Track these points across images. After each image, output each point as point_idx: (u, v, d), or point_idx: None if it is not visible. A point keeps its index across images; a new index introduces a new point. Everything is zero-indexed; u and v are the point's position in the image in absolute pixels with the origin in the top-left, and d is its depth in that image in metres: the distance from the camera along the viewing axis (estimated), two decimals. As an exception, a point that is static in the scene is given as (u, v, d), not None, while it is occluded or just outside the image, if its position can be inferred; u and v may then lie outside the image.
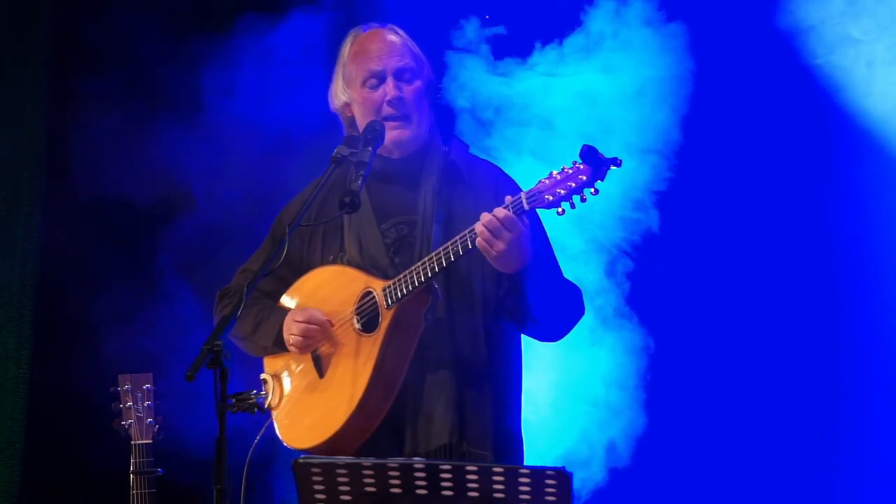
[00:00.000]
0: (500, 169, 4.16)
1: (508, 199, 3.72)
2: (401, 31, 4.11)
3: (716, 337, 5.40)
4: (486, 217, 3.72)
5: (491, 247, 3.72)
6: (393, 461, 3.26)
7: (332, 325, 3.99)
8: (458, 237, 3.77)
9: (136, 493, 4.33)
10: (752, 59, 5.38)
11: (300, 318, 3.99)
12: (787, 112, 5.38)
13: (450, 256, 3.77)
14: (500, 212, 3.71)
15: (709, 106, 5.40)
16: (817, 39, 5.30)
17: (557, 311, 3.96)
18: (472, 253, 3.77)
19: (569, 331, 4.07)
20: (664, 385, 5.42)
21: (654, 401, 5.43)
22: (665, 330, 5.45)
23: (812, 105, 5.36)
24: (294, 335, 3.99)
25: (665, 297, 5.45)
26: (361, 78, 4.05)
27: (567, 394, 5.40)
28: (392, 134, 4.02)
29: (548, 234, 4.08)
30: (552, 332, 4.05)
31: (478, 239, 3.73)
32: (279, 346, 4.08)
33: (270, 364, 4.16)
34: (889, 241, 5.27)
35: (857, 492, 5.29)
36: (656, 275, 5.45)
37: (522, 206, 3.68)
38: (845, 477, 5.29)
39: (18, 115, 5.76)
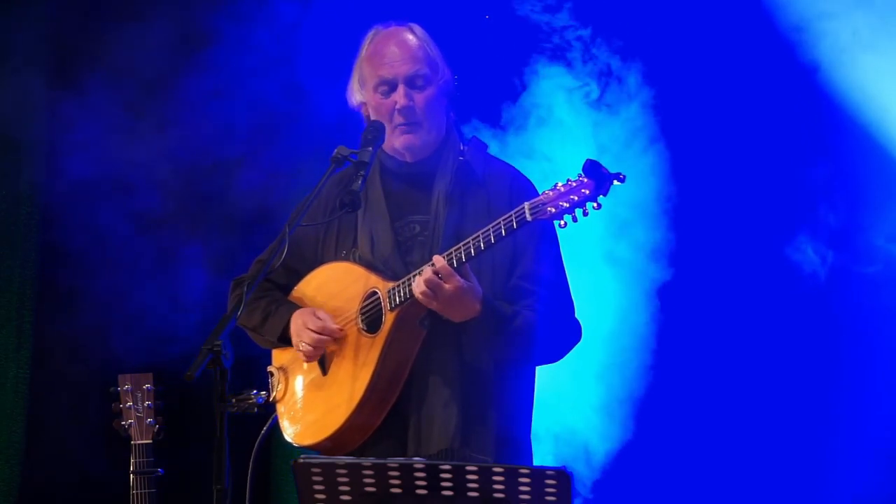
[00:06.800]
0: (517, 170, 4.14)
1: (512, 215, 3.71)
2: (419, 32, 4.07)
3: (709, 338, 5.41)
4: (425, 273, 3.75)
5: (431, 301, 3.76)
6: (393, 461, 3.26)
7: (342, 332, 4.00)
8: (461, 244, 3.77)
9: (136, 493, 4.33)
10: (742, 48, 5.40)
11: (312, 327, 3.99)
12: (776, 100, 5.40)
13: (452, 262, 3.77)
14: (439, 260, 3.74)
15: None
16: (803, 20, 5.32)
17: (541, 347, 3.94)
18: (479, 257, 3.78)
19: (560, 357, 4.06)
20: (660, 386, 5.44)
21: (649, 402, 5.44)
22: (661, 330, 5.46)
23: (807, 100, 5.38)
24: (305, 343, 3.99)
25: (661, 300, 5.47)
26: (373, 83, 4.04)
27: (563, 394, 5.42)
28: (403, 139, 4.02)
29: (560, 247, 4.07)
30: (538, 362, 4.05)
31: (418, 294, 3.76)
32: (284, 342, 4.08)
33: (278, 357, 4.17)
34: (882, 234, 5.27)
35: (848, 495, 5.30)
36: (647, 279, 5.47)
37: (525, 217, 3.68)
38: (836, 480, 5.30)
39: (18, 116, 5.77)
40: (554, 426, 5.41)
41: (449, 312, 3.82)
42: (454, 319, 3.84)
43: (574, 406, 5.45)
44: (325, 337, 3.97)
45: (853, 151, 5.33)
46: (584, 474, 5.39)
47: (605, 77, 5.47)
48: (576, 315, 4.02)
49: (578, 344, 4.05)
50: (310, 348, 3.98)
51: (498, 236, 3.70)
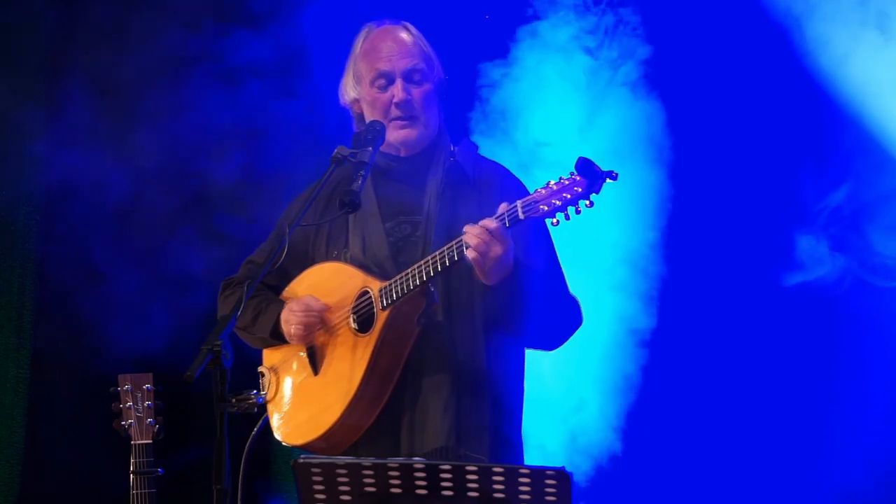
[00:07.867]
0: (507, 171, 4.14)
1: (504, 206, 3.71)
2: (413, 30, 4.09)
3: (709, 340, 5.41)
4: (475, 229, 3.71)
5: (483, 259, 3.72)
6: (393, 461, 3.26)
7: (328, 308, 3.99)
8: (453, 242, 3.77)
9: (136, 493, 4.33)
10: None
11: (297, 309, 3.99)
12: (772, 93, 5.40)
13: (445, 261, 3.77)
14: (491, 223, 3.71)
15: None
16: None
17: (545, 321, 3.93)
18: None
19: (563, 341, 4.05)
20: (661, 390, 5.44)
21: (650, 405, 5.44)
22: (662, 332, 5.46)
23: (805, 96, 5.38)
24: (294, 325, 3.99)
25: (659, 296, 5.47)
26: (370, 77, 4.04)
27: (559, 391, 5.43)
28: (399, 133, 4.02)
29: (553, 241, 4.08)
30: (542, 342, 4.05)
31: (469, 250, 3.71)
32: (276, 338, 4.08)
33: (269, 357, 4.17)
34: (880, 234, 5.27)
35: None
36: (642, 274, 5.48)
37: (518, 215, 3.68)
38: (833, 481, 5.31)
39: (18, 115, 5.77)
40: (555, 428, 5.42)
41: (491, 274, 3.76)
42: (490, 281, 3.78)
43: (575, 407, 5.46)
44: (311, 314, 3.97)
45: (857, 152, 5.34)
46: (584, 475, 5.40)
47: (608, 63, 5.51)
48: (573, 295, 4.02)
49: (578, 346, 4.05)
50: (300, 328, 3.98)
51: None
